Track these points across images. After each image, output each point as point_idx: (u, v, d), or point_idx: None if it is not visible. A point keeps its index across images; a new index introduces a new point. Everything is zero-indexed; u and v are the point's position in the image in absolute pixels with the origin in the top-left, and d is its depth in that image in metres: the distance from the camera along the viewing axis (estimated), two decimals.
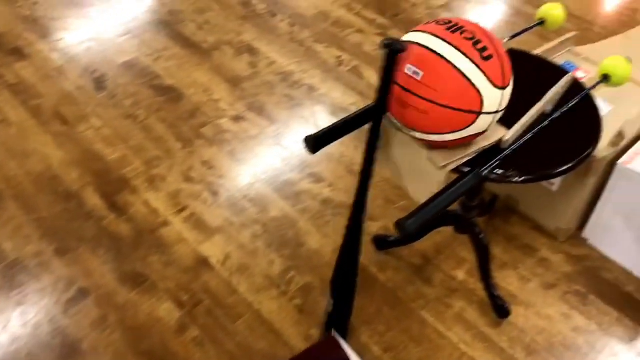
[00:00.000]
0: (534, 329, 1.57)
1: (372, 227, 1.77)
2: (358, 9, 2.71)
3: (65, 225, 1.77)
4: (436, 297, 1.63)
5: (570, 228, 1.77)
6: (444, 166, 1.14)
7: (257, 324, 1.56)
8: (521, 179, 1.16)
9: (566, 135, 1.26)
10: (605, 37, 2.24)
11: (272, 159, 2.01)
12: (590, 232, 1.77)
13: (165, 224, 1.79)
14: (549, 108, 1.26)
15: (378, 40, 2.54)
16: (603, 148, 1.52)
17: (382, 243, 1.73)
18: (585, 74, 1.73)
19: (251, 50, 2.44)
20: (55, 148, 2.00)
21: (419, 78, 1.06)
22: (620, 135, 1.53)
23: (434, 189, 1.13)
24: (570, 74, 1.36)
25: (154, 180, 1.92)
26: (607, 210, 1.68)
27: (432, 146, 1.16)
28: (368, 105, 1.21)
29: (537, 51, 1.63)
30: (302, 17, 2.65)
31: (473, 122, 1.08)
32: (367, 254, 1.71)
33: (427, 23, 1.13)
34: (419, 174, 1.23)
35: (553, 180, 1.66)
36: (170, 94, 2.23)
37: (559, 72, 1.41)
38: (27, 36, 2.46)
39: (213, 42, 2.47)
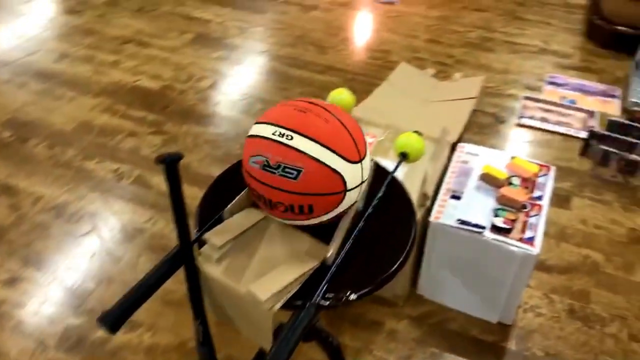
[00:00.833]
0: None
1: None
2: (122, 110, 2.48)
3: None
4: None
5: (406, 290, 1.74)
6: (269, 307, 1.00)
7: None
8: (356, 295, 1.05)
9: (386, 226, 1.19)
10: (370, 84, 2.32)
11: (67, 317, 1.68)
12: (424, 288, 1.76)
13: None
14: (361, 205, 1.19)
15: (155, 139, 2.33)
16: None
17: None
18: (372, 139, 1.73)
19: (7, 190, 2.06)
20: None
21: (277, 174, 1.00)
22: (425, 196, 1.53)
23: (268, 333, 0.98)
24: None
25: None
26: (433, 264, 1.69)
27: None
28: (172, 251, 1.02)
29: None
30: (61, 135, 2.33)
31: (342, 200, 1.05)
32: None
33: (270, 110, 1.06)
34: (246, 318, 1.06)
35: None
36: None
37: None
38: None
39: None
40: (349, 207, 1.10)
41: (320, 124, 1.03)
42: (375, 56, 2.88)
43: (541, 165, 1.73)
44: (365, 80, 2.69)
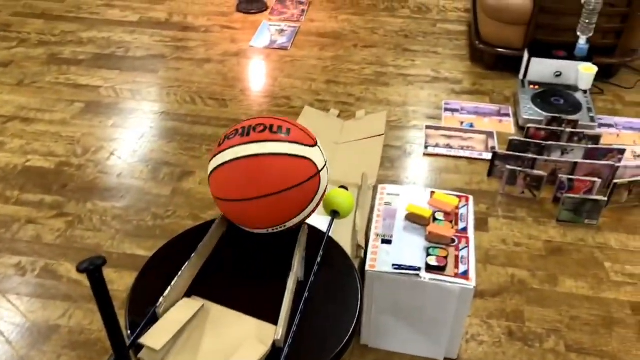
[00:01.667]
0: None
1: None
2: (16, 196, 2.28)
3: None
4: None
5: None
6: None
7: None
8: None
9: (331, 291, 1.15)
10: None
11: None
12: (367, 337, 1.73)
13: None
14: (301, 275, 1.14)
15: (58, 223, 2.15)
16: None
17: None
18: None
19: None
20: None
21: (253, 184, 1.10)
22: (359, 247, 1.51)
23: None
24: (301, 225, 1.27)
25: None
26: (374, 312, 1.66)
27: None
28: None
29: None
30: None
31: (320, 183, 1.16)
32: None
33: (220, 144, 1.16)
34: None
35: None
36: None
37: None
38: None
39: None
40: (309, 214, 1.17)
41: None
42: (277, 103, 2.87)
43: (460, 197, 1.77)
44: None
